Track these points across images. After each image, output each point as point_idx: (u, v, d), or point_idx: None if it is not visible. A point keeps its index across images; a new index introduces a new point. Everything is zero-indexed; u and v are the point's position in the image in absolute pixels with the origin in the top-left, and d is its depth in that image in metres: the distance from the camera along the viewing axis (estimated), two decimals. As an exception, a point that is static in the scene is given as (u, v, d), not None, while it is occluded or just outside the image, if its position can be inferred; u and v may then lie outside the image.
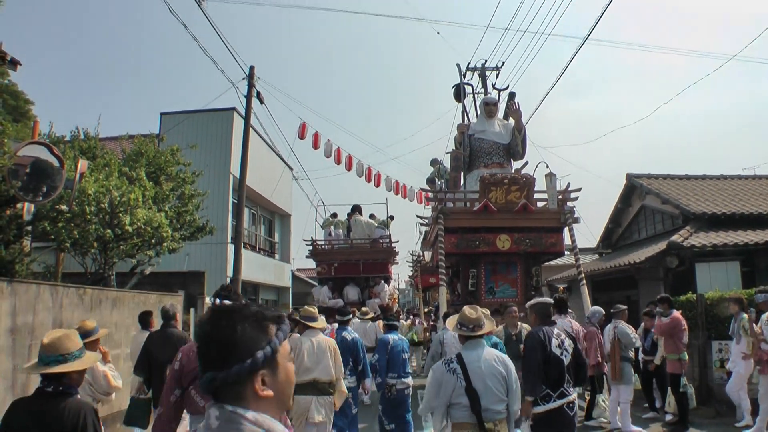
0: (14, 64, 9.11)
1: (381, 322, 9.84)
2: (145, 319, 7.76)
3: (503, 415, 4.30)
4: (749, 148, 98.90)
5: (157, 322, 7.51)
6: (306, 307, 6.66)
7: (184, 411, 4.19)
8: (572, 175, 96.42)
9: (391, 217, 21.98)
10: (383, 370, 7.19)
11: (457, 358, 4.33)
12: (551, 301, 5.87)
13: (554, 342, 5.05)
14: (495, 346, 6.34)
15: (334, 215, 21.53)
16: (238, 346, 1.44)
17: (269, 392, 1.47)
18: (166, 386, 4.12)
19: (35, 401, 3.09)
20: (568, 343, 5.15)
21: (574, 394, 5.14)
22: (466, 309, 4.57)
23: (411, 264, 24.13)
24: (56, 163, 7.58)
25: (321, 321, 6.50)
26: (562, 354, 5.04)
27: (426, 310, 20.38)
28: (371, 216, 20.89)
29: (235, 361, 1.42)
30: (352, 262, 19.18)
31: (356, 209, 20.72)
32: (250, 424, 1.42)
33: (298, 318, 6.69)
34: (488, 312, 4.82)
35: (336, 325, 8.31)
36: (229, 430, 1.41)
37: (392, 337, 7.44)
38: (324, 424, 6.02)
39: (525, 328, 8.18)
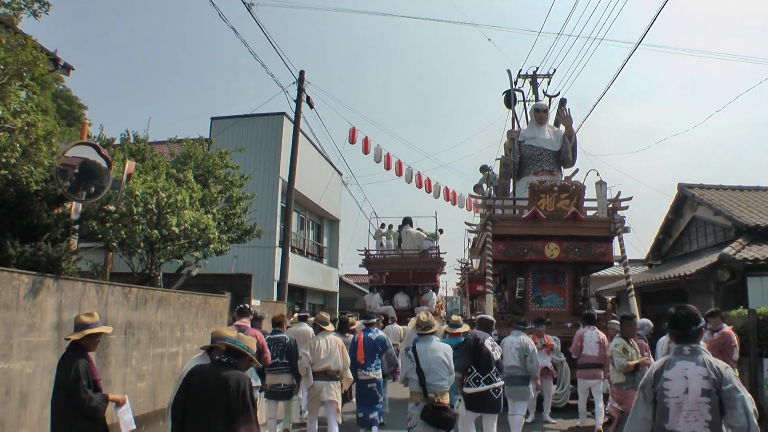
0: (67, 69, 9.40)
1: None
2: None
3: (445, 388, 6.16)
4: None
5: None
6: (320, 313, 8.55)
7: None
8: (623, 184, 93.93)
9: (441, 231, 22.43)
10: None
11: (412, 347, 6.14)
12: (492, 318, 7.84)
13: (487, 341, 7.03)
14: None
15: (389, 226, 22.02)
16: (698, 319, 3.50)
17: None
18: None
19: (213, 367, 4.21)
20: (498, 347, 7.21)
21: (500, 382, 6.97)
22: (422, 314, 6.42)
23: (459, 272, 24.14)
24: (104, 164, 7.75)
25: (330, 326, 8.21)
26: (493, 350, 6.99)
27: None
28: (419, 229, 21.52)
29: (695, 325, 3.49)
30: (402, 271, 19.88)
31: (407, 221, 21.45)
32: (704, 351, 3.37)
33: (315, 322, 8.31)
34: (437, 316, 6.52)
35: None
36: (696, 354, 3.35)
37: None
38: (333, 402, 7.73)
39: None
